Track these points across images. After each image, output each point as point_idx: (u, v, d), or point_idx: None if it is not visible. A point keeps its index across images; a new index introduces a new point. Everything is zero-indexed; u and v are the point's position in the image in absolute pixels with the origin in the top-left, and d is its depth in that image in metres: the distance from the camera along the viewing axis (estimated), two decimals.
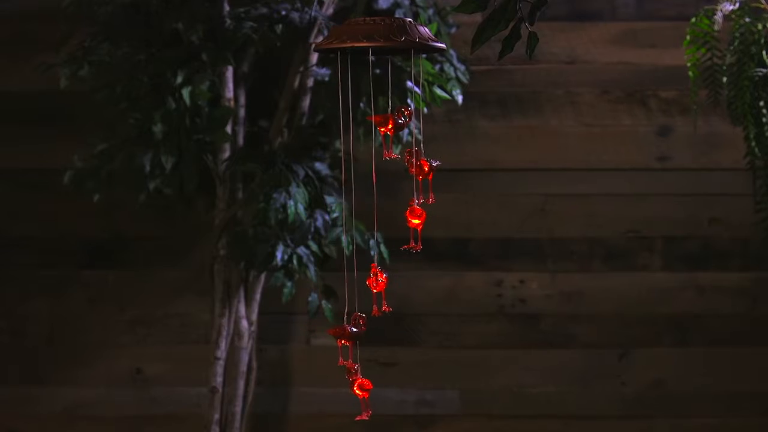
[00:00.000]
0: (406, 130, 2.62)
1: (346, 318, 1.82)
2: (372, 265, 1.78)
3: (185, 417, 3.24)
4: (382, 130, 1.75)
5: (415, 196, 1.76)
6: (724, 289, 3.25)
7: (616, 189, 3.26)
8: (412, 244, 1.77)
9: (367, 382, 1.83)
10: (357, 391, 1.83)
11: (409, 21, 1.71)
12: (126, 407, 3.26)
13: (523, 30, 1.66)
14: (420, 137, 3.01)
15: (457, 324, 3.27)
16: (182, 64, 2.79)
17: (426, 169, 1.76)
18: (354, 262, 1.86)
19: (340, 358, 1.81)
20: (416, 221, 1.77)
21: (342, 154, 2.62)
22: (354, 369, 1.82)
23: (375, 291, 1.79)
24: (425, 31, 1.72)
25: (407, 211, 1.77)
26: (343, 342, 1.80)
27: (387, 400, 3.24)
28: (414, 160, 1.76)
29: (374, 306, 1.78)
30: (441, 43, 1.72)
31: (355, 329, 1.80)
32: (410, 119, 1.75)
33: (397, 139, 2.82)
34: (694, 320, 3.26)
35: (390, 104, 1.82)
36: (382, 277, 1.78)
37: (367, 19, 1.70)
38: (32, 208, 3.27)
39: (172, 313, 3.26)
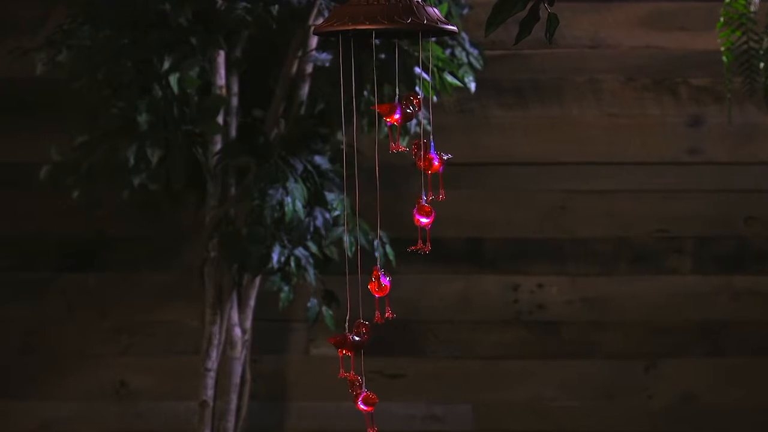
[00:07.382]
0: (413, 121, 2.62)
1: (348, 326, 1.81)
2: (375, 268, 1.78)
3: None
4: (388, 120, 1.74)
5: (424, 193, 1.75)
6: (762, 293, 3.26)
7: (642, 185, 3.26)
8: (420, 245, 1.76)
9: (373, 396, 1.82)
10: (362, 406, 1.81)
11: (417, 1, 1.70)
12: (108, 423, 3.27)
13: (542, 11, 1.65)
14: (429, 128, 3.02)
15: (470, 332, 3.27)
16: (170, 49, 2.79)
17: (436, 163, 1.75)
18: (358, 264, 1.86)
19: (341, 370, 1.80)
20: (425, 220, 1.76)
21: (343, 146, 2.62)
22: (358, 382, 1.81)
23: (378, 296, 1.78)
24: (434, 12, 1.71)
25: (415, 209, 1.76)
26: (344, 352, 1.79)
27: (393, 415, 3.25)
28: (422, 153, 1.74)
29: (377, 312, 1.77)
30: (452, 25, 1.72)
31: (357, 338, 1.79)
32: (419, 108, 1.74)
33: (405, 131, 2.82)
34: (728, 328, 3.26)
35: (397, 92, 1.81)
36: (385, 282, 1.78)
37: None
38: (5, 205, 3.28)
39: (159, 320, 3.27)
